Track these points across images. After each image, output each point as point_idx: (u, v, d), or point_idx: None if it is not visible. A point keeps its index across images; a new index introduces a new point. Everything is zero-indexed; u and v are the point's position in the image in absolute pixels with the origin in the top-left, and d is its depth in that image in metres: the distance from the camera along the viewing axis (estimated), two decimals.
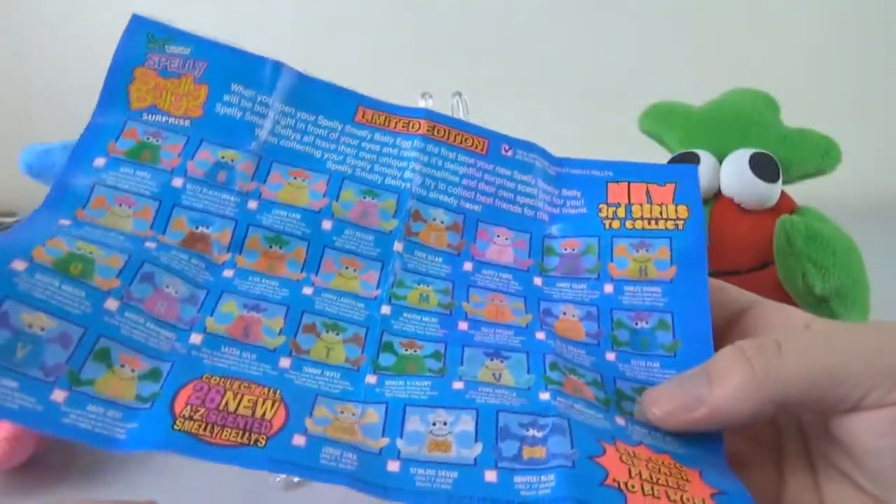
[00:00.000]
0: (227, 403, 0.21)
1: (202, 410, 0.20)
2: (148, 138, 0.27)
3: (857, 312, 0.47)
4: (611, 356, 0.26)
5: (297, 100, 0.30)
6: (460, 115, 0.53)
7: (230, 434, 0.20)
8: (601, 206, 0.29)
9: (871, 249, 0.50)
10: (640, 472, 0.20)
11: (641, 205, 0.29)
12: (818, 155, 0.51)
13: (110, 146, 0.27)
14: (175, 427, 0.20)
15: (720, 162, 0.51)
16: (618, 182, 0.30)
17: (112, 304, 0.22)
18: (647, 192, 0.29)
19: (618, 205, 0.29)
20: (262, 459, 0.19)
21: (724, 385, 0.20)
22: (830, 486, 0.22)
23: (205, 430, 0.20)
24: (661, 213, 0.28)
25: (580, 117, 1.02)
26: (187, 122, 0.28)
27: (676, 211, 0.28)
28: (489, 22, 1.15)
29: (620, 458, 0.21)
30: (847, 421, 0.20)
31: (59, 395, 0.20)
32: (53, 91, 0.98)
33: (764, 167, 0.48)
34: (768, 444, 0.24)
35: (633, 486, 0.20)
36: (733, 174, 0.49)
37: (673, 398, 0.22)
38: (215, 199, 0.27)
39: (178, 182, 0.26)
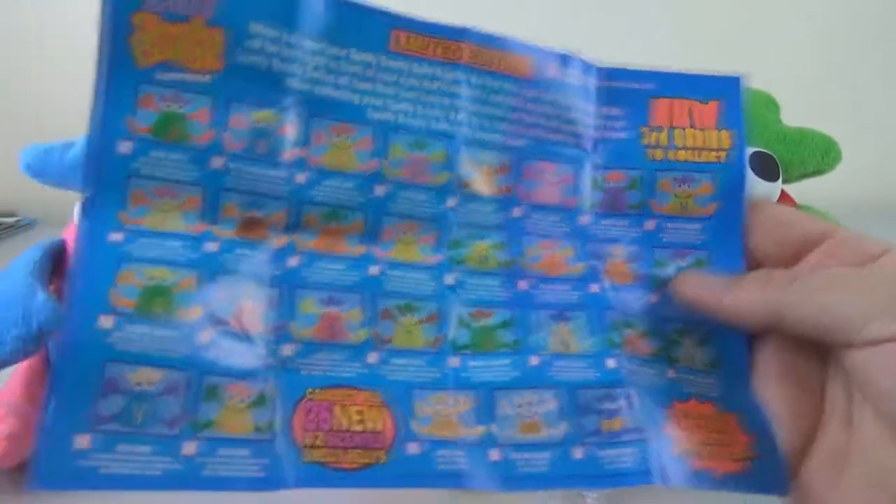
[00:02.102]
0: (339, 421, 0.21)
1: (321, 435, 0.21)
2: (168, 105, 0.23)
3: None
4: (653, 298, 0.27)
5: (325, 32, 0.24)
6: None
7: (355, 456, 0.20)
8: (643, 129, 0.28)
9: None
10: (697, 437, 0.23)
11: (684, 129, 0.27)
12: (818, 155, 0.51)
13: (130, 124, 0.23)
14: (304, 459, 0.20)
15: None
16: (659, 98, 0.28)
17: (205, 336, 0.22)
18: (690, 112, 0.28)
19: (660, 129, 0.28)
20: (389, 477, 0.20)
21: (738, 291, 0.24)
22: (862, 424, 0.22)
23: (332, 456, 0.20)
24: (704, 141, 0.27)
25: None
26: (207, 78, 0.23)
27: (720, 139, 0.27)
28: (489, 22, 1.15)
29: (680, 424, 0.23)
30: (853, 355, 0.21)
31: (189, 448, 0.20)
32: (53, 91, 0.98)
33: (764, 166, 0.48)
34: (816, 380, 0.24)
35: (693, 452, 0.22)
36: None
37: (702, 286, 0.25)
38: (262, 177, 0.24)
39: (217, 162, 0.23)
